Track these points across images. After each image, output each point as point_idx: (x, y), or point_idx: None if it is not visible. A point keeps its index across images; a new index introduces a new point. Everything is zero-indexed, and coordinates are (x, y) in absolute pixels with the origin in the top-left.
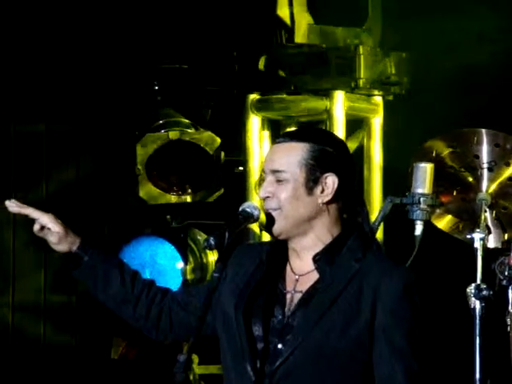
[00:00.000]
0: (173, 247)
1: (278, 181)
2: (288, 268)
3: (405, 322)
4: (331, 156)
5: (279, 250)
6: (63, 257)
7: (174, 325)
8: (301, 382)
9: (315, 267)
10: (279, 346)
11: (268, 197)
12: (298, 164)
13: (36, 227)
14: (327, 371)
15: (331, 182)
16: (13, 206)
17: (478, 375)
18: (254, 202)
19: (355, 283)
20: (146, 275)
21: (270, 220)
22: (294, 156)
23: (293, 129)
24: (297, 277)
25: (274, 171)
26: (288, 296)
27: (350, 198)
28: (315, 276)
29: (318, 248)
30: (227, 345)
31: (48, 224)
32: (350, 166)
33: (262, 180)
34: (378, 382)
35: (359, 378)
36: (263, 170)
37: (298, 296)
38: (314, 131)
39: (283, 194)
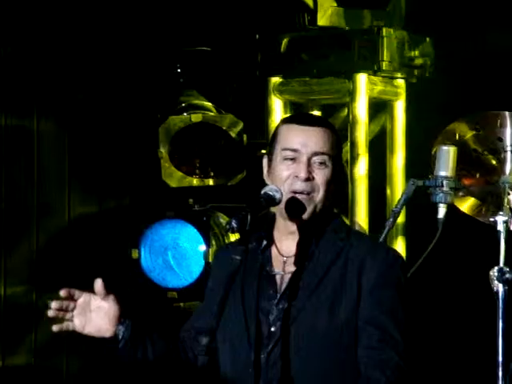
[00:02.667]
0: (195, 230)
1: (320, 163)
2: (274, 250)
3: (386, 299)
4: (340, 142)
5: (258, 238)
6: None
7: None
8: (296, 362)
9: (301, 247)
10: (272, 329)
11: (308, 179)
12: (334, 150)
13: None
14: (320, 350)
15: (342, 167)
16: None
17: (500, 358)
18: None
19: (340, 262)
20: (169, 258)
21: (301, 202)
22: (331, 142)
23: (312, 112)
24: (285, 259)
25: (318, 153)
26: (278, 277)
27: None
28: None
29: (307, 228)
30: (228, 336)
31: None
32: None
33: (291, 159)
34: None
35: (352, 354)
36: (293, 150)
37: (287, 277)
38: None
39: (323, 178)
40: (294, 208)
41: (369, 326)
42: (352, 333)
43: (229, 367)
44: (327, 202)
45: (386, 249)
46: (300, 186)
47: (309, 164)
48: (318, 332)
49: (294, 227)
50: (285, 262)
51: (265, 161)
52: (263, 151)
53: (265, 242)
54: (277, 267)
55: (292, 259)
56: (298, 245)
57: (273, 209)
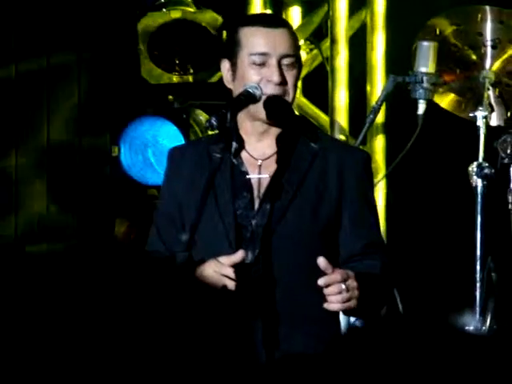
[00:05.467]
0: (175, 127)
1: (288, 65)
2: (245, 153)
3: (367, 194)
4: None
5: (228, 139)
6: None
7: None
8: (283, 265)
9: (278, 148)
10: (253, 230)
11: (281, 82)
12: (298, 50)
13: None
14: (304, 250)
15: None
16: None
17: (478, 252)
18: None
19: (318, 163)
20: (149, 155)
21: (276, 105)
22: (296, 42)
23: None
24: (259, 162)
25: (287, 55)
26: (254, 181)
27: None
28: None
29: (279, 130)
30: (203, 241)
31: None
32: None
33: (259, 64)
34: (344, 253)
35: (332, 249)
36: (262, 54)
37: (265, 180)
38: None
39: (292, 80)
40: (275, 107)
41: (356, 228)
42: (334, 231)
43: None
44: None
45: (358, 149)
46: (273, 89)
47: (279, 67)
48: (303, 232)
49: (264, 128)
50: (260, 166)
51: (225, 65)
52: None
53: (235, 145)
54: (251, 171)
55: (267, 162)
56: (278, 145)
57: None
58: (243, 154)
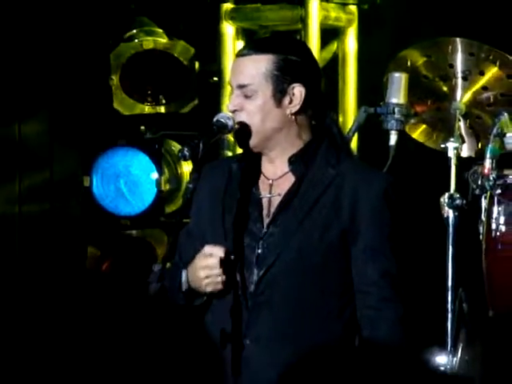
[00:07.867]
0: (147, 158)
1: (246, 96)
2: (261, 174)
3: (383, 225)
4: (297, 65)
5: (249, 159)
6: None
7: None
8: (287, 287)
9: (290, 169)
10: (259, 251)
11: (236, 110)
12: (264, 76)
13: None
14: (309, 275)
15: (298, 92)
16: None
17: (450, 283)
18: (229, 112)
19: (333, 189)
20: (121, 186)
21: (241, 134)
22: (259, 68)
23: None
24: (270, 181)
25: (241, 86)
26: (264, 200)
27: (319, 106)
28: (290, 179)
29: (291, 152)
30: None
31: None
32: (316, 73)
33: (231, 93)
34: (356, 284)
35: (338, 282)
36: (230, 84)
37: (276, 199)
38: (277, 40)
39: (251, 108)
40: (239, 138)
41: (364, 254)
42: (341, 259)
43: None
44: (276, 130)
45: (378, 178)
46: (235, 117)
47: (239, 95)
48: (308, 257)
49: (265, 154)
50: (271, 185)
51: None
52: (215, 78)
53: (235, 166)
54: (263, 190)
55: (278, 181)
56: (289, 166)
57: None
58: (261, 174)
